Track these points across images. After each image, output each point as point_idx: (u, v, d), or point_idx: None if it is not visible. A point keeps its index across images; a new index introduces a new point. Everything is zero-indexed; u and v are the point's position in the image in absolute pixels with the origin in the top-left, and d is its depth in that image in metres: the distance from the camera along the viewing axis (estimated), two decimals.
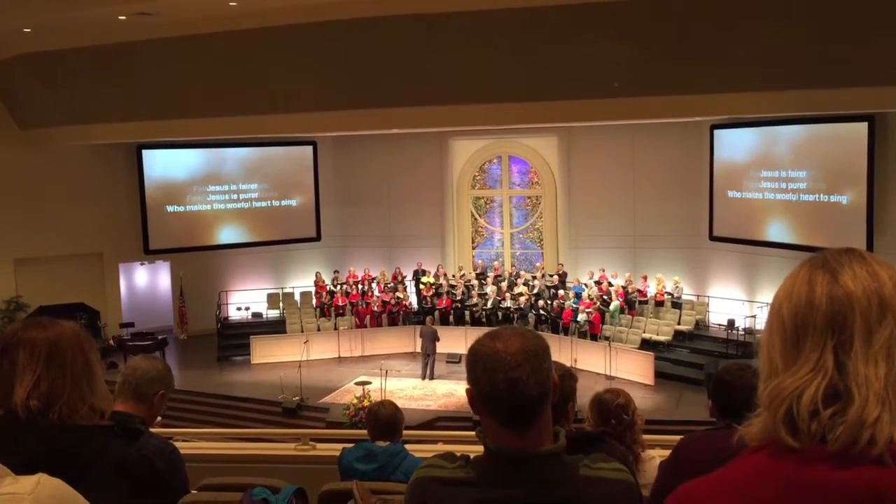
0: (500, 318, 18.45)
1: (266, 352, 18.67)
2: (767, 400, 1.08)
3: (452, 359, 17.43)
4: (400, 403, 5.19)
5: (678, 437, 3.85)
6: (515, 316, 18.38)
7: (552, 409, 1.70)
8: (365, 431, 4.52)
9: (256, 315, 20.74)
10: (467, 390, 1.70)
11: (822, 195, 16.51)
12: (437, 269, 20.31)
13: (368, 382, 15.47)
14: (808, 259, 1.15)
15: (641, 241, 19.65)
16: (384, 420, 4.25)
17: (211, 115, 16.08)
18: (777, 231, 17.26)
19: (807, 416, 1.03)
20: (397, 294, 19.88)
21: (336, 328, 19.37)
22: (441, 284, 19.75)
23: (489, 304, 19.02)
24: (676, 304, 18.36)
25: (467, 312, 19.12)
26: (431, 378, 17.05)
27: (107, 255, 20.16)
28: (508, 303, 18.88)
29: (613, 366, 16.76)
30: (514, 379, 1.60)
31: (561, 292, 18.85)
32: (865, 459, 0.99)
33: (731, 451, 1.14)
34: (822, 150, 16.58)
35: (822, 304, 1.07)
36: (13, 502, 1.12)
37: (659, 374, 16.46)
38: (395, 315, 19.63)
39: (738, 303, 17.71)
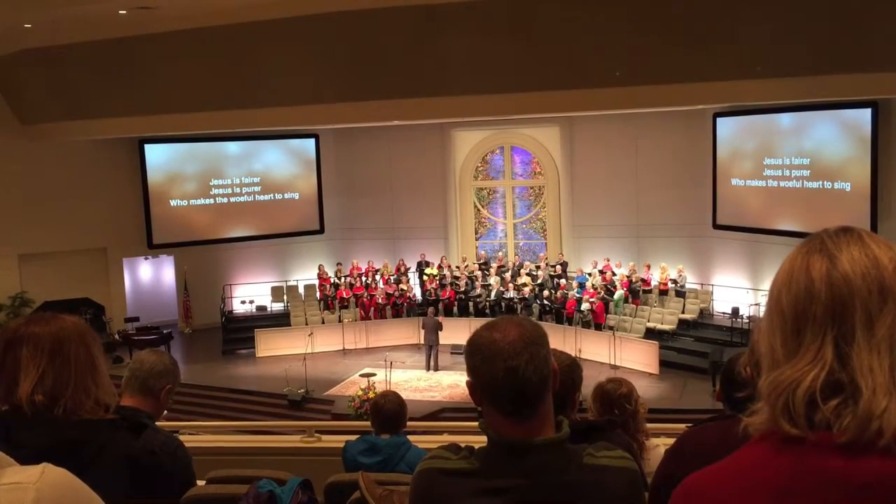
0: (503, 308, 18.46)
1: (271, 345, 18.71)
2: (767, 391, 1.08)
3: (457, 350, 17.45)
4: (405, 395, 5.20)
5: (683, 426, 3.86)
6: (519, 306, 18.39)
7: (559, 398, 1.71)
8: (370, 423, 4.53)
9: (261, 308, 20.78)
10: (468, 382, 1.70)
11: (825, 182, 16.46)
12: (441, 261, 20.32)
13: (373, 374, 15.51)
14: (806, 241, 1.12)
15: (645, 229, 19.63)
16: (387, 413, 4.25)
17: (213, 109, 16.06)
18: (780, 218, 17.22)
19: (802, 407, 1.03)
20: (401, 286, 19.90)
21: (340, 321, 19.41)
22: (445, 276, 19.77)
23: (493, 295, 19.04)
24: (680, 293, 18.36)
25: (471, 304, 19.13)
26: (436, 369, 17.08)
27: (111, 249, 20.20)
28: (511, 293, 18.88)
29: (618, 355, 16.77)
30: (513, 367, 1.61)
31: (563, 282, 18.86)
32: (873, 449, 0.99)
33: (734, 441, 1.14)
34: (825, 137, 16.52)
35: (821, 293, 1.06)
36: (18, 491, 1.13)
37: (663, 363, 16.47)
38: (399, 307, 19.66)
39: (742, 291, 17.70)
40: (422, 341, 17.96)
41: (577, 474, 1.64)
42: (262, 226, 21.54)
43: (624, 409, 3.66)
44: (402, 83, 14.70)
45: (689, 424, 2.82)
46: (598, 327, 17.79)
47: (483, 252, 21.33)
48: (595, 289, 18.26)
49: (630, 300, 18.28)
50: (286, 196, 21.82)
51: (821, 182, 16.54)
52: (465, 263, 20.27)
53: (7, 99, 18.35)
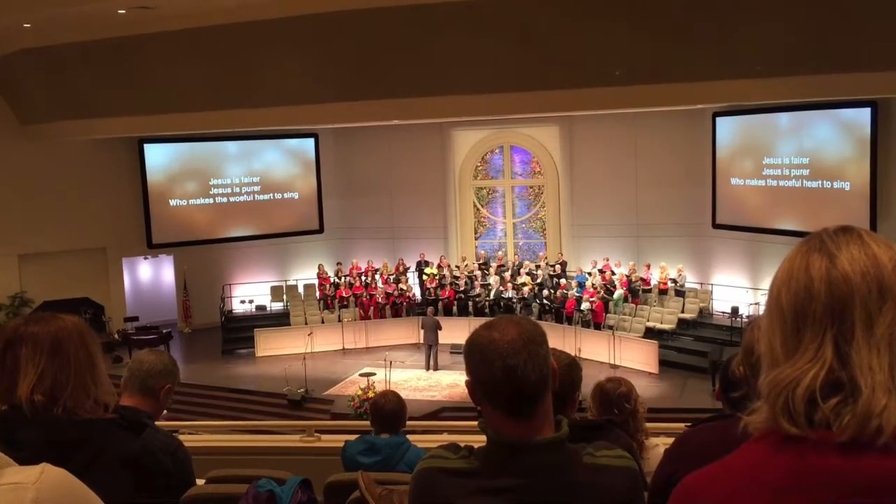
0: (502, 308, 18.47)
1: (270, 344, 18.71)
2: (767, 390, 1.08)
3: (456, 349, 17.45)
4: (404, 394, 5.20)
5: (682, 425, 3.86)
6: (519, 306, 18.39)
7: (559, 398, 1.70)
8: (369, 422, 4.53)
9: (260, 308, 20.77)
10: (467, 381, 1.70)
11: (824, 181, 16.47)
12: (440, 260, 20.33)
13: (373, 374, 15.51)
14: (805, 240, 1.12)
15: (644, 229, 19.64)
16: (387, 412, 4.25)
17: (212, 109, 16.06)
18: (780, 218, 17.23)
19: (802, 406, 1.03)
20: (400, 285, 19.90)
21: (340, 320, 19.41)
22: (444, 275, 19.77)
23: (492, 295, 19.04)
24: (680, 293, 18.36)
25: (470, 303, 19.13)
26: (436, 369, 17.09)
27: (110, 249, 20.19)
28: (511, 293, 18.88)
29: (617, 354, 16.78)
30: (512, 366, 1.61)
31: (562, 281, 18.86)
32: (872, 448, 0.99)
33: (733, 441, 1.14)
34: (824, 137, 16.53)
35: (820, 292, 1.06)
36: (17, 491, 1.12)
37: (663, 363, 16.47)
38: (398, 306, 19.66)
39: (741, 290, 17.71)
40: (421, 341, 17.96)
41: (576, 474, 1.64)
42: (262, 225, 21.54)
43: (623, 409, 3.65)
44: (401, 83, 14.69)
45: (689, 424, 2.82)
46: (598, 327, 17.79)
47: (482, 251, 21.32)
48: (594, 288, 18.26)
49: (629, 300, 18.28)
50: (286, 196, 21.82)
51: (820, 181, 16.54)
52: (465, 263, 20.27)
53: (6, 99, 18.35)
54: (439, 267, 20.09)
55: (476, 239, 21.73)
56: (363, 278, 20.16)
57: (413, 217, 21.38)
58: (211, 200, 21.20)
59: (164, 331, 18.68)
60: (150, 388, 2.77)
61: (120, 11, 14.01)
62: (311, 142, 21.66)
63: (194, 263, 20.69)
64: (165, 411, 2.99)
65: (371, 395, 13.43)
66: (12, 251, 18.53)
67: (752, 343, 1.92)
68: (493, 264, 20.21)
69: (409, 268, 20.62)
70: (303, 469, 3.24)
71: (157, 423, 2.59)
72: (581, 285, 18.54)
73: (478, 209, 21.70)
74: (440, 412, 14.49)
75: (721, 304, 18.29)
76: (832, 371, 1.03)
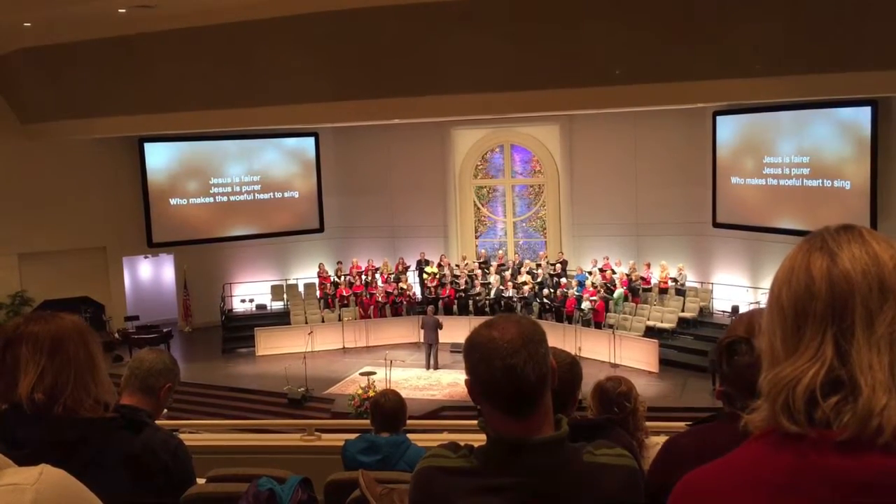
0: (503, 307, 18.47)
1: (271, 343, 18.71)
2: (767, 388, 1.08)
3: (457, 348, 17.45)
4: (405, 393, 5.19)
5: (683, 424, 3.86)
6: (519, 305, 18.39)
7: (560, 397, 1.70)
8: (370, 421, 4.53)
9: (260, 307, 20.78)
10: (466, 381, 1.70)
11: (825, 180, 16.47)
12: (441, 259, 20.33)
13: (373, 373, 15.51)
14: (807, 238, 1.12)
15: (644, 228, 19.63)
16: (387, 411, 4.25)
17: (212, 108, 16.06)
18: (780, 217, 17.22)
19: (802, 405, 1.03)
20: (401, 284, 19.90)
21: (340, 319, 19.41)
22: (444, 274, 19.77)
23: (492, 294, 19.04)
24: (680, 292, 18.36)
25: (470, 302, 19.13)
26: (436, 368, 17.09)
27: (110, 248, 20.19)
28: (511, 292, 18.88)
29: (618, 353, 16.78)
30: (512, 365, 1.61)
31: (563, 280, 18.86)
32: (873, 447, 0.99)
33: (712, 448, 1.15)
34: (824, 136, 16.52)
35: (821, 290, 1.06)
36: (16, 493, 1.12)
37: (663, 362, 16.47)
38: (398, 305, 19.67)
39: (741, 289, 17.71)
40: (421, 340, 17.97)
41: (576, 472, 1.64)
42: (262, 224, 21.54)
43: (623, 408, 3.65)
44: (401, 82, 14.69)
45: (689, 423, 2.82)
46: (598, 326, 17.79)
47: (483, 250, 21.33)
48: (595, 287, 18.26)
49: (630, 299, 18.27)
50: (286, 195, 21.82)
51: (820, 180, 16.54)
52: (465, 262, 20.27)
53: (6, 98, 18.35)
54: (439, 266, 20.09)
55: (476, 238, 21.74)
56: (363, 277, 20.17)
57: (413, 216, 21.38)
58: (211, 199, 21.20)
59: (165, 330, 18.69)
60: (150, 386, 2.77)
61: (120, 10, 14.01)
62: (311, 141, 21.66)
63: (194, 262, 20.69)
64: (165, 410, 2.99)
65: (371, 394, 13.42)
66: (12, 250, 18.53)
67: (733, 330, 1.95)
68: (494, 263, 20.22)
69: (409, 267, 20.62)
70: (303, 468, 3.24)
71: (157, 421, 2.60)
72: (581, 284, 18.54)
73: (478, 208, 21.70)
74: (440, 411, 14.49)
75: (721, 303, 18.30)
76: (832, 369, 1.03)
